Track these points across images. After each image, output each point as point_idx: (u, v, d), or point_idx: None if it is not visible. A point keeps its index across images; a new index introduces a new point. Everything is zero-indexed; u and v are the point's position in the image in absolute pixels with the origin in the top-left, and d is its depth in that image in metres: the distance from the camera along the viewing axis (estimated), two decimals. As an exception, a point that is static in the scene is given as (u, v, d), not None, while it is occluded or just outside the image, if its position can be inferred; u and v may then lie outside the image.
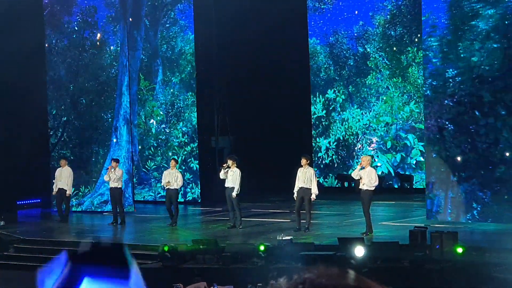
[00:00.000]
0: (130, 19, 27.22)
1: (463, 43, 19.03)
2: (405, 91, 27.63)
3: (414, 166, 27.60)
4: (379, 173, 25.05)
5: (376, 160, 27.39)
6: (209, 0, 26.99)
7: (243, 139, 27.24)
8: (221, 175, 20.75)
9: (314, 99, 29.38)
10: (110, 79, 25.76)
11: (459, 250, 15.26)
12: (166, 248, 17.04)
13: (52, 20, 26.55)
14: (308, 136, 29.33)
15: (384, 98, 27.96)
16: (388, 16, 27.91)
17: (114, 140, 25.48)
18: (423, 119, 22.15)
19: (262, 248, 16.51)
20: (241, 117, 27.84)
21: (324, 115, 29.31)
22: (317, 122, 29.48)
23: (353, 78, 28.80)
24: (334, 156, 29.21)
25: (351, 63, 28.88)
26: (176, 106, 28.11)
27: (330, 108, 29.17)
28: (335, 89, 29.06)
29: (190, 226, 22.11)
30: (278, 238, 17.28)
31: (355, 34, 28.72)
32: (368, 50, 28.38)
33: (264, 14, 26.87)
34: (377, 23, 28.10)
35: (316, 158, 29.01)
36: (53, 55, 26.53)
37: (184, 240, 18.95)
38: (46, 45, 26.53)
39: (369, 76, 28.27)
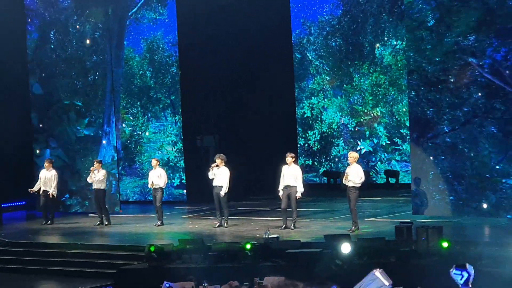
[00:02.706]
0: None
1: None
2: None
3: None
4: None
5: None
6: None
7: (228, 138, 27.18)
8: (210, 175, 20.72)
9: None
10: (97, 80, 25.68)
11: (445, 244, 15.29)
12: (152, 249, 16.98)
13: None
14: (293, 134, 29.32)
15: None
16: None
17: (104, 142, 25.40)
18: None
19: (248, 246, 16.47)
20: (225, 115, 27.79)
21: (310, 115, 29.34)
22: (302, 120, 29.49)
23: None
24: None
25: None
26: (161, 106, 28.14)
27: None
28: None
29: (176, 225, 22.05)
30: (264, 236, 17.27)
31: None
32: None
33: (245, 13, 26.89)
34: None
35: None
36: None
37: (170, 240, 18.92)
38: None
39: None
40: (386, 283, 3.31)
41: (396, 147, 27.88)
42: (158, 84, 28.40)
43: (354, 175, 18.82)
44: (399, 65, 27.13)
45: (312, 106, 29.22)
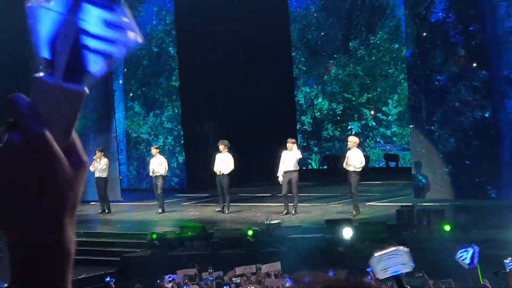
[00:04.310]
0: None
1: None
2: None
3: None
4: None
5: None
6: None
7: (227, 124, 27.17)
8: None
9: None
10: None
11: (446, 228, 15.33)
12: (154, 236, 17.05)
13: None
14: (292, 119, 29.29)
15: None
16: None
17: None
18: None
19: (250, 232, 16.54)
20: (225, 101, 27.78)
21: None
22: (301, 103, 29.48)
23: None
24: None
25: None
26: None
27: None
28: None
29: (178, 213, 22.10)
30: (266, 222, 17.31)
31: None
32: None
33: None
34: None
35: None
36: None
37: (172, 227, 18.98)
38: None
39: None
40: (408, 265, 3.29)
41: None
42: (157, 71, 28.37)
43: (355, 160, 18.83)
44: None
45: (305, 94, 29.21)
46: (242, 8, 26.89)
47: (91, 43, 1.20)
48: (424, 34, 19.65)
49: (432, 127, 19.67)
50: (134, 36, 1.23)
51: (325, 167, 29.07)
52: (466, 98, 19.12)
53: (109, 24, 1.20)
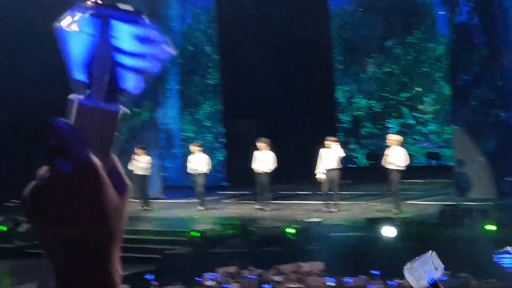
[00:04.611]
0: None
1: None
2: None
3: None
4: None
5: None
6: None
7: (268, 122, 27.14)
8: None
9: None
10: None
11: (489, 227, 15.14)
12: (194, 233, 17.08)
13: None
14: (332, 117, 29.15)
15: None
16: None
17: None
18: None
19: (290, 230, 16.49)
20: (266, 99, 27.76)
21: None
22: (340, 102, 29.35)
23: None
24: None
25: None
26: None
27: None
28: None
29: (218, 210, 22.12)
30: (306, 220, 17.25)
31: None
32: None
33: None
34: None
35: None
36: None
37: (212, 224, 19.00)
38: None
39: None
40: (440, 268, 3.21)
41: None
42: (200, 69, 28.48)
43: (397, 158, 18.69)
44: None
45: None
46: (282, 5, 26.84)
47: (126, 60, 1.17)
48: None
49: (473, 126, 19.49)
50: (167, 48, 1.20)
51: (371, 162, 28.78)
52: None
53: (140, 39, 1.17)
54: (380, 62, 27.57)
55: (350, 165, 28.42)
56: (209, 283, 12.98)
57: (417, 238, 15.44)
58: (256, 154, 20.73)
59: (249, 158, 21.26)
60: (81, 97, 1.16)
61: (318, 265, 13.91)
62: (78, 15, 1.16)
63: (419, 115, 27.17)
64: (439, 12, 19.92)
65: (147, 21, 1.17)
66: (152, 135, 25.56)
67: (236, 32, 26.98)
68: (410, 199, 21.00)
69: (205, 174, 21.97)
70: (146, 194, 22.97)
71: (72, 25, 1.16)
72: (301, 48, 27.57)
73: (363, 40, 28.09)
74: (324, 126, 27.28)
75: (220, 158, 27.93)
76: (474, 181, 19.59)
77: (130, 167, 22.83)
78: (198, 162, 21.86)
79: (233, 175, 27.24)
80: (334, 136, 20.96)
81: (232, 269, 13.98)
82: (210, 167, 22.30)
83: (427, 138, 26.83)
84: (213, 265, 14.19)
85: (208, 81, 28.62)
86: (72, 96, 1.17)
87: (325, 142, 19.72)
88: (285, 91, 27.83)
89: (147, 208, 22.66)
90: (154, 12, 27.76)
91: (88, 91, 1.16)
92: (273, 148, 21.21)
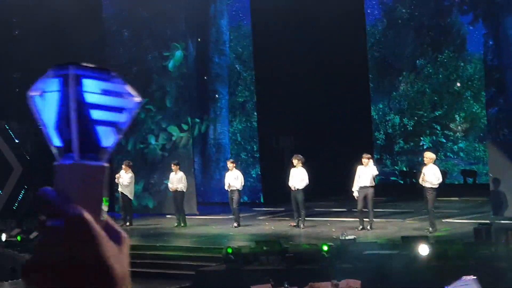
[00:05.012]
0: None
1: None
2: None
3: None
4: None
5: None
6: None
7: (303, 139, 27.19)
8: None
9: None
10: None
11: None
12: (229, 250, 17.13)
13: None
14: (368, 134, 29.10)
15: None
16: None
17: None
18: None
19: (325, 248, 16.49)
20: (301, 116, 27.81)
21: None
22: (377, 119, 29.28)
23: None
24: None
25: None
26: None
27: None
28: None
29: (253, 227, 22.16)
30: (341, 238, 17.24)
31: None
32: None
33: (320, 12, 26.85)
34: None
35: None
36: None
37: (247, 241, 19.06)
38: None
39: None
40: None
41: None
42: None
43: (431, 176, 18.65)
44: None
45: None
46: (318, 21, 26.91)
47: (97, 114, 1.21)
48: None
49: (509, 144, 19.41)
50: (134, 99, 1.25)
51: (402, 182, 28.75)
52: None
53: (109, 93, 1.22)
54: (411, 80, 27.62)
55: (387, 181, 28.29)
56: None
57: (452, 256, 15.39)
58: (292, 171, 20.81)
59: (284, 175, 21.31)
60: (61, 160, 1.22)
61: (355, 283, 13.89)
62: (48, 79, 1.21)
63: (450, 133, 27.14)
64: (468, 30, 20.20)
65: (114, 76, 1.23)
66: (185, 151, 25.71)
67: (271, 48, 27.11)
68: (446, 217, 20.91)
69: (239, 190, 22.04)
70: (183, 210, 23.10)
71: (43, 89, 1.21)
72: (337, 65, 27.59)
73: (394, 59, 28.10)
74: (360, 143, 27.25)
75: (253, 174, 27.98)
76: (510, 199, 19.47)
77: (169, 185, 23.13)
78: (233, 179, 21.96)
79: (269, 191, 27.27)
80: (369, 153, 20.93)
81: (266, 286, 14.01)
82: (243, 183, 22.34)
83: (458, 156, 26.76)
84: (248, 282, 14.23)
85: (237, 99, 28.82)
86: (54, 163, 1.22)
87: (362, 159, 19.73)
88: (321, 107, 27.86)
89: (182, 224, 22.79)
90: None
91: (66, 152, 1.21)
92: (309, 165, 21.24)
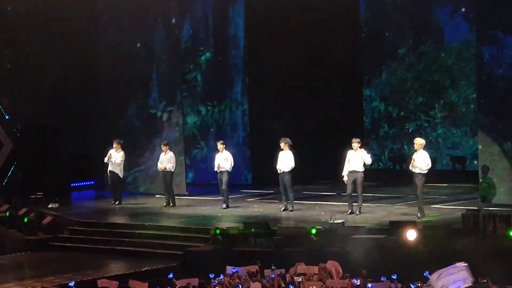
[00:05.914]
0: None
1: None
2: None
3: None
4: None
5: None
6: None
7: (294, 122, 27.14)
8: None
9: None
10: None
11: (513, 233, 15.12)
12: (217, 231, 17.17)
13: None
14: (358, 118, 29.03)
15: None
16: None
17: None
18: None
19: (313, 231, 16.54)
20: (291, 99, 27.73)
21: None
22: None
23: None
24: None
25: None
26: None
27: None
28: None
29: (242, 209, 22.20)
30: (329, 221, 17.28)
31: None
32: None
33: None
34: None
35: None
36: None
37: (235, 223, 19.09)
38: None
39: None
40: (470, 279, 3.26)
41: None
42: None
43: (421, 162, 18.71)
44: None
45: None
46: (311, 3, 26.79)
47: None
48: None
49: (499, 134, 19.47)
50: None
51: (391, 167, 28.74)
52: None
53: None
54: (393, 69, 27.76)
55: (376, 167, 28.28)
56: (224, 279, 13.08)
57: (440, 242, 15.44)
58: (279, 154, 20.83)
59: (273, 157, 21.31)
60: None
61: (340, 266, 13.91)
62: None
63: (430, 119, 27.29)
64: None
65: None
66: (176, 131, 25.66)
67: (263, 31, 27.07)
68: (434, 203, 20.99)
69: (228, 171, 22.05)
70: (172, 190, 23.13)
71: None
72: (329, 48, 27.54)
73: (379, 47, 28.13)
74: (351, 127, 27.23)
75: (244, 156, 27.94)
76: (497, 187, 19.53)
77: (158, 165, 23.12)
78: (222, 160, 21.97)
79: (258, 173, 27.26)
80: (358, 137, 20.88)
81: (253, 268, 14.02)
82: (233, 165, 22.32)
83: (437, 142, 26.90)
84: (236, 263, 14.25)
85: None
86: None
87: (352, 143, 19.75)
88: (312, 92, 27.81)
89: (171, 205, 22.82)
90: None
91: None
92: (300, 148, 21.25)
